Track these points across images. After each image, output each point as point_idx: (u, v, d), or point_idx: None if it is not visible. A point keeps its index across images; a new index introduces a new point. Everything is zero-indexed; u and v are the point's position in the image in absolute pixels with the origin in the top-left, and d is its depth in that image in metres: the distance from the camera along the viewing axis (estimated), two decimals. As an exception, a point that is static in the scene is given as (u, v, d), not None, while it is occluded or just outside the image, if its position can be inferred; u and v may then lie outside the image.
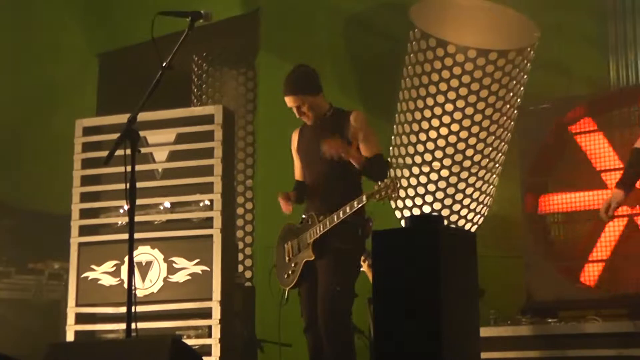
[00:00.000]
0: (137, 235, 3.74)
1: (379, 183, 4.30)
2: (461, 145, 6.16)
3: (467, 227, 6.37)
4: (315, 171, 4.67)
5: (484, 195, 6.39)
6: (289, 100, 4.65)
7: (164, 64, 3.80)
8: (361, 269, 4.70)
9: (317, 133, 4.66)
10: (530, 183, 6.03)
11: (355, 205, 4.37)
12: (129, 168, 3.68)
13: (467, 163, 6.20)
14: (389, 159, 4.97)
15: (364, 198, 4.36)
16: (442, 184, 6.25)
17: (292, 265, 4.65)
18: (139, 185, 3.77)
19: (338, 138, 4.49)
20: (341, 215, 4.41)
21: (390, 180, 4.28)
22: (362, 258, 4.72)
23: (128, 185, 3.70)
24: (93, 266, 5.72)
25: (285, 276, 4.69)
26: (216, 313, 5.42)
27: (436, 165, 6.23)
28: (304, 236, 4.59)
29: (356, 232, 4.52)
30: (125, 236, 3.78)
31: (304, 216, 4.72)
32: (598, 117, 5.90)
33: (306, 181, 4.78)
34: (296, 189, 4.83)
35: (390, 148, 6.53)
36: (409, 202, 6.42)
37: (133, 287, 3.68)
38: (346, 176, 4.59)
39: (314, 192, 4.69)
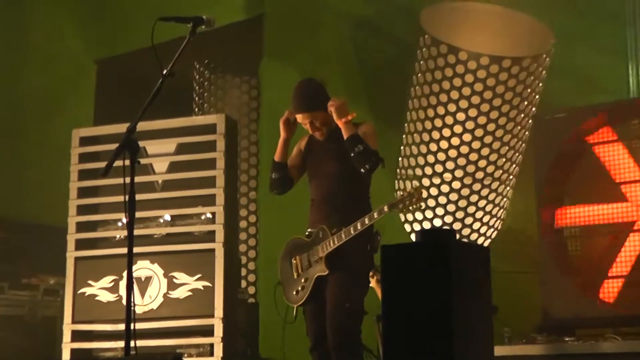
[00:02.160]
0: (136, 250, 3.75)
1: (402, 193, 4.32)
2: (473, 156, 6.17)
3: (480, 241, 6.36)
4: (324, 187, 4.70)
5: (497, 208, 6.38)
6: (299, 118, 4.73)
7: (165, 72, 3.81)
8: (369, 285, 4.71)
9: (327, 147, 4.72)
10: (546, 195, 6.02)
11: (375, 217, 4.39)
12: (127, 179, 3.69)
13: (479, 174, 6.21)
14: (398, 170, 4.95)
15: (386, 208, 4.37)
16: (453, 196, 6.25)
17: (302, 280, 4.65)
18: (138, 197, 3.78)
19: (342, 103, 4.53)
20: (359, 227, 4.42)
21: (414, 189, 4.30)
22: (371, 274, 4.73)
23: (127, 197, 3.71)
24: (90, 281, 5.73)
25: (294, 293, 4.68)
26: (218, 330, 5.42)
27: (447, 176, 6.23)
28: (315, 250, 4.60)
29: (365, 246, 4.54)
30: (124, 250, 3.78)
31: (309, 230, 4.73)
32: (617, 126, 5.89)
33: (312, 194, 4.80)
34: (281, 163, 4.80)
35: (400, 159, 6.54)
36: (419, 215, 6.42)
37: (132, 304, 3.68)
38: (355, 192, 4.62)
39: (321, 207, 4.70)
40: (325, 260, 4.54)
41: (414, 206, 4.29)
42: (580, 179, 6.00)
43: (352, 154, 4.52)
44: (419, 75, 6.30)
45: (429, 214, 6.33)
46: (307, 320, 4.66)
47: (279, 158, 4.81)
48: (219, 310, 5.44)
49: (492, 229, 6.44)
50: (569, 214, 5.99)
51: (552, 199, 6.03)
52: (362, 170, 4.51)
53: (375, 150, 4.56)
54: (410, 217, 6.49)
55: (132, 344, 3.68)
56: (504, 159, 6.23)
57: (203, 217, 5.65)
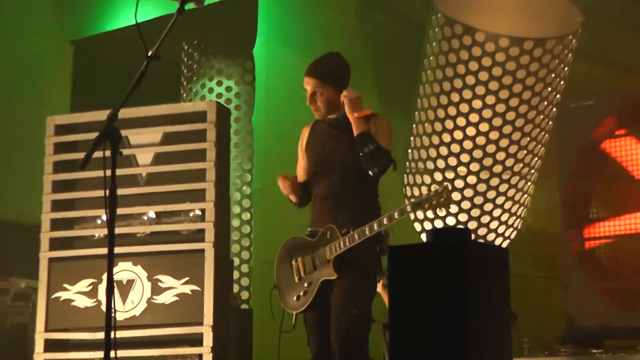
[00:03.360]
0: (117, 250, 3.75)
1: (428, 190, 4.28)
2: (491, 148, 6.18)
3: (497, 241, 6.38)
4: (331, 181, 4.68)
5: (517, 205, 6.41)
6: (306, 82, 4.69)
7: (150, 53, 3.81)
8: (376, 290, 4.72)
9: (332, 135, 4.69)
10: (572, 191, 6.05)
11: (396, 217, 4.34)
12: (108, 172, 3.70)
13: (498, 168, 6.22)
14: (407, 167, 4.94)
15: (408, 208, 4.33)
16: (468, 192, 6.27)
17: (305, 285, 4.64)
18: (119, 192, 3.79)
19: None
20: (375, 228, 4.38)
21: (443, 187, 4.25)
22: (377, 278, 4.73)
23: (107, 192, 3.72)
24: (66, 285, 5.74)
25: (295, 298, 4.67)
26: (208, 339, 5.43)
27: (462, 170, 6.25)
28: (322, 252, 4.58)
29: (373, 248, 4.52)
30: (104, 251, 3.79)
31: (311, 229, 4.72)
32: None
33: (314, 189, 4.78)
34: (299, 190, 4.82)
35: (409, 151, 6.56)
36: (430, 213, 6.44)
37: (112, 310, 3.69)
38: (363, 186, 4.60)
39: (327, 203, 4.68)
40: (334, 263, 4.54)
41: (442, 205, 4.25)
42: (611, 174, 6.02)
43: (360, 154, 4.50)
44: (431, 58, 6.31)
45: (441, 211, 6.34)
46: (308, 329, 4.66)
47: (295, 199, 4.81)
48: (208, 317, 5.45)
49: (511, 229, 6.46)
50: (598, 212, 6.01)
51: (579, 195, 6.06)
52: (370, 172, 4.49)
53: (388, 151, 4.54)
54: (420, 214, 6.50)
55: (112, 354, 3.69)
56: (524, 151, 6.25)
57: (191, 214, 5.66)
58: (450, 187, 4.29)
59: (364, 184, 4.60)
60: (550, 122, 6.32)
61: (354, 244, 4.45)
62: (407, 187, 6.61)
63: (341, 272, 4.51)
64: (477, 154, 6.19)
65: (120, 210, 3.80)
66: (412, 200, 4.35)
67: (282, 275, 4.75)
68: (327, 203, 4.67)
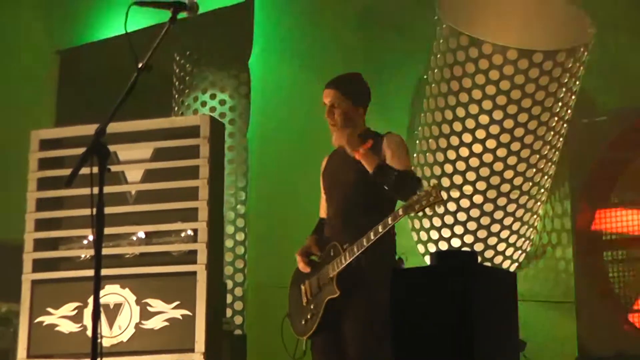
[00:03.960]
0: (104, 272, 3.74)
1: (420, 193, 4.30)
2: (498, 166, 6.19)
3: (505, 264, 6.38)
4: (338, 199, 4.74)
5: (526, 227, 6.41)
6: (326, 94, 4.79)
7: (140, 65, 3.83)
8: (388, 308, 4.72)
9: (345, 156, 4.73)
10: (584, 212, 6.05)
11: (390, 222, 4.38)
12: (95, 190, 3.71)
13: (505, 187, 6.23)
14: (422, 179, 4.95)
15: (400, 212, 4.36)
16: (475, 213, 6.27)
17: (312, 307, 4.66)
18: (107, 210, 3.79)
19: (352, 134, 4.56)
20: (372, 237, 4.41)
21: (432, 186, 4.27)
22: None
23: (94, 210, 3.72)
24: (49, 309, 5.73)
25: (303, 322, 4.69)
26: (199, 367, 5.43)
27: (468, 189, 6.26)
28: (325, 270, 4.62)
29: (387, 274, 4.53)
30: (90, 272, 3.79)
31: (314, 254, 4.76)
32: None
33: (328, 209, 4.84)
34: (318, 229, 4.91)
35: (412, 168, 6.57)
36: (434, 235, 6.44)
37: (99, 335, 3.69)
38: (372, 204, 4.63)
39: (334, 222, 4.74)
40: (336, 280, 4.55)
41: (434, 205, 4.28)
42: (625, 193, 6.02)
43: (387, 187, 4.51)
44: (436, 71, 6.33)
45: (446, 232, 6.35)
46: (315, 355, 4.67)
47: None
48: (200, 344, 5.44)
49: (519, 251, 6.46)
50: (612, 234, 6.01)
51: (591, 215, 6.05)
52: (407, 200, 4.40)
53: (409, 171, 4.58)
54: (424, 236, 6.51)
55: (98, 382, 3.69)
56: (534, 170, 6.26)
57: (183, 235, 5.66)
58: (440, 188, 4.28)
59: (373, 202, 4.62)
60: (561, 139, 6.33)
61: (354, 256, 4.48)
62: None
63: (346, 289, 4.52)
64: (484, 172, 6.20)
65: (107, 230, 3.79)
66: (401, 206, 4.39)
67: (293, 300, 4.81)
68: (334, 223, 4.74)
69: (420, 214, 6.51)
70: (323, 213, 4.95)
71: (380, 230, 4.40)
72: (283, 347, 4.76)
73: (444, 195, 6.26)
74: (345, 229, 4.63)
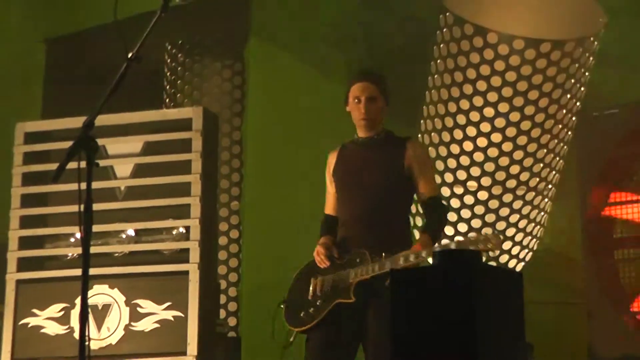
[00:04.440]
0: (92, 271, 3.76)
1: (477, 235, 4.44)
2: (504, 161, 6.19)
3: (511, 264, 6.39)
4: (361, 203, 4.75)
5: (533, 224, 6.41)
6: (365, 87, 4.81)
7: (130, 55, 3.83)
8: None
9: (362, 156, 4.81)
10: (593, 209, 6.06)
11: (436, 250, 4.41)
12: (83, 185, 3.71)
13: (511, 183, 6.23)
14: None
15: (453, 246, 4.51)
16: (479, 210, 6.28)
17: (317, 302, 4.68)
18: (95, 207, 3.80)
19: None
20: (412, 260, 4.47)
21: (494, 235, 4.48)
22: None
23: (82, 207, 3.73)
24: (35, 310, 5.74)
25: (302, 314, 4.70)
26: (191, 371, 5.44)
27: (472, 185, 6.26)
28: (346, 274, 4.64)
29: None
30: (77, 272, 3.80)
31: (339, 254, 4.76)
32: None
33: (344, 210, 4.84)
34: (329, 227, 4.91)
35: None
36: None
37: (86, 338, 3.70)
38: (396, 209, 4.71)
39: (356, 223, 4.75)
40: (354, 287, 4.59)
41: (490, 251, 4.41)
42: (637, 190, 6.02)
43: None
44: (439, 61, 6.33)
45: (449, 230, 6.34)
46: (309, 352, 4.68)
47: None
48: (192, 347, 5.45)
49: (526, 250, 6.47)
50: (623, 232, 6.02)
51: (601, 213, 6.06)
52: None
53: (440, 204, 4.81)
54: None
55: (86, 386, 3.69)
56: (541, 164, 6.26)
57: (175, 232, 5.67)
58: (502, 238, 4.40)
59: (397, 207, 4.72)
60: (569, 133, 6.33)
61: (382, 271, 4.51)
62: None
63: (361, 297, 4.56)
64: (489, 167, 6.20)
65: (96, 228, 3.80)
66: (457, 238, 4.46)
67: (296, 290, 4.82)
68: (354, 226, 4.75)
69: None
70: (330, 210, 4.96)
71: (423, 255, 4.47)
72: (279, 336, 4.78)
73: (447, 191, 6.28)
74: (370, 234, 4.67)
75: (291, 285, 4.86)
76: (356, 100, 4.78)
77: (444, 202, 4.85)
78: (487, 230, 6.29)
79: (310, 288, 4.73)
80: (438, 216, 4.75)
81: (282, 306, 4.79)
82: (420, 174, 4.73)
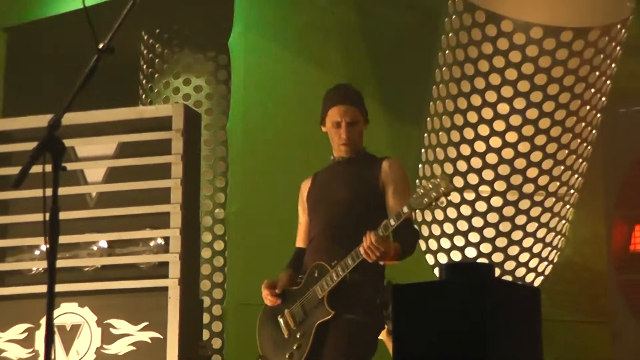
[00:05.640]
0: (59, 288, 3.76)
1: (426, 184, 4.47)
2: (520, 163, 6.21)
3: (529, 278, 6.40)
4: (326, 218, 4.84)
5: (553, 234, 6.43)
6: (345, 111, 4.87)
7: (101, 45, 3.84)
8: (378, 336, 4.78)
9: (340, 168, 4.91)
10: (621, 217, 6.08)
11: (392, 224, 4.51)
12: (49, 192, 3.72)
13: (529, 188, 6.25)
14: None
15: (405, 209, 4.51)
16: (492, 218, 6.29)
17: (298, 336, 4.73)
18: (63, 215, 3.80)
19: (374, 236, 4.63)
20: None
21: (440, 177, 4.48)
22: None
23: (47, 215, 3.74)
24: (-4, 331, 5.75)
25: (288, 356, 4.75)
26: (171, 399, 5.45)
27: (485, 190, 6.27)
28: (312, 293, 4.71)
29: (373, 299, 4.67)
30: (43, 288, 3.80)
31: (300, 276, 4.82)
32: None
33: (312, 227, 4.92)
34: (294, 261, 5.00)
35: (420, 166, 6.58)
36: (445, 243, 6.46)
37: (53, 362, 3.71)
38: (364, 220, 4.71)
39: (316, 242, 4.84)
40: (328, 300, 4.63)
41: (444, 195, 4.41)
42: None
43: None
44: (447, 52, 6.34)
45: (459, 241, 6.37)
46: None
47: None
48: (172, 372, 5.46)
49: (545, 262, 6.48)
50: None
51: (629, 221, 6.08)
52: None
53: (412, 226, 4.80)
54: (433, 245, 6.52)
55: (52, 416, 3.70)
56: (562, 167, 6.28)
57: (152, 244, 5.67)
58: (449, 179, 4.43)
59: (365, 221, 4.72)
60: (594, 131, 6.35)
61: (348, 269, 4.59)
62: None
63: (339, 309, 4.60)
64: (504, 170, 6.22)
65: (63, 239, 3.81)
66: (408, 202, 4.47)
67: (267, 339, 4.90)
68: (318, 242, 4.84)
69: (430, 218, 6.54)
70: (301, 242, 5.06)
71: (381, 233, 4.51)
72: None
73: (457, 196, 6.29)
74: (333, 247, 4.74)
75: (258, 337, 4.93)
76: (336, 125, 4.85)
77: (416, 227, 4.89)
78: (502, 242, 6.31)
79: (282, 326, 4.79)
80: (412, 233, 4.77)
81: None
82: (394, 192, 4.79)
